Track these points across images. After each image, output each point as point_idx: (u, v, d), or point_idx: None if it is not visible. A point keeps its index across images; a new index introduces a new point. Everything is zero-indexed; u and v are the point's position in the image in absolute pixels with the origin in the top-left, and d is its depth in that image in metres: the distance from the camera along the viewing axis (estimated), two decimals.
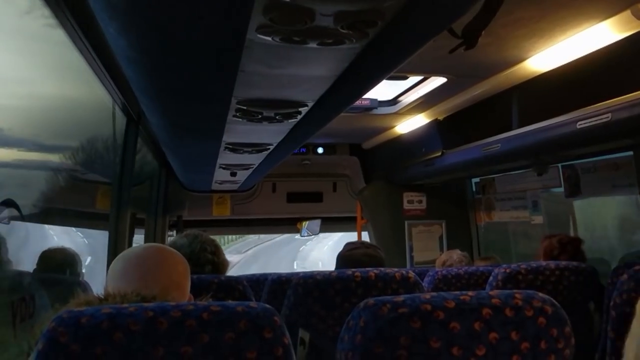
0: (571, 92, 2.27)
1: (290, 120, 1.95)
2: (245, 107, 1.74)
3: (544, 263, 2.34)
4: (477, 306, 1.14)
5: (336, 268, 2.23)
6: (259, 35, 1.12)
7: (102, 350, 0.96)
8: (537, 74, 2.31)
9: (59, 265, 2.74)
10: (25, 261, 2.23)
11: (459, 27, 1.50)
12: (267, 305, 1.09)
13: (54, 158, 2.45)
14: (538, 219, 3.75)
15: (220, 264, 2.07)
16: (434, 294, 1.18)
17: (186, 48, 1.20)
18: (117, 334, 0.97)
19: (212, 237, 2.12)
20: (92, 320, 0.98)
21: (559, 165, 3.33)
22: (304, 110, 1.81)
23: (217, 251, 2.08)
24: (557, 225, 3.76)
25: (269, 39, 1.14)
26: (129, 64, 1.35)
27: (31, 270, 2.35)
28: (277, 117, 1.87)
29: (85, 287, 2.65)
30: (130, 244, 3.08)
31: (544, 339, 1.15)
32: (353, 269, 1.99)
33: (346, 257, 2.29)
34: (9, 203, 1.59)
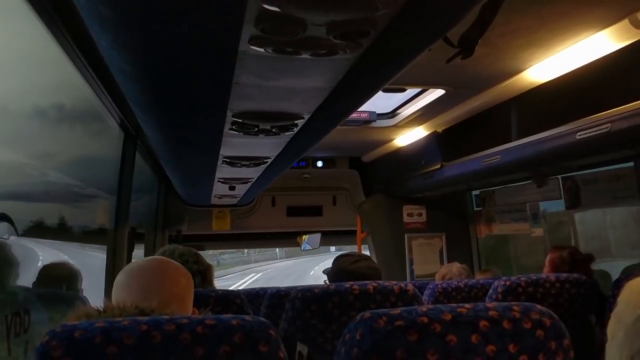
0: (570, 102, 2.26)
1: (287, 133, 1.94)
2: (241, 120, 1.74)
3: (544, 275, 2.32)
4: (475, 319, 1.12)
5: (336, 281, 2.21)
6: (251, 47, 1.12)
7: None
8: (536, 85, 2.31)
9: (59, 280, 2.73)
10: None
11: (455, 36, 1.50)
12: (263, 319, 1.09)
13: (52, 173, 2.45)
14: (538, 231, 3.73)
15: (206, 270, 2.05)
16: (430, 306, 1.17)
17: (178, 61, 1.20)
18: (111, 348, 0.96)
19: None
20: (85, 335, 0.97)
21: (559, 176, 3.31)
22: (300, 122, 1.80)
23: (198, 259, 2.05)
24: (558, 238, 3.74)
25: (262, 50, 1.13)
26: (124, 77, 1.35)
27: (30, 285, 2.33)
28: (273, 130, 1.87)
29: (84, 302, 2.63)
30: (129, 259, 3.06)
31: (542, 352, 1.13)
32: (351, 282, 1.98)
33: (349, 270, 2.24)
34: (2, 217, 1.58)
